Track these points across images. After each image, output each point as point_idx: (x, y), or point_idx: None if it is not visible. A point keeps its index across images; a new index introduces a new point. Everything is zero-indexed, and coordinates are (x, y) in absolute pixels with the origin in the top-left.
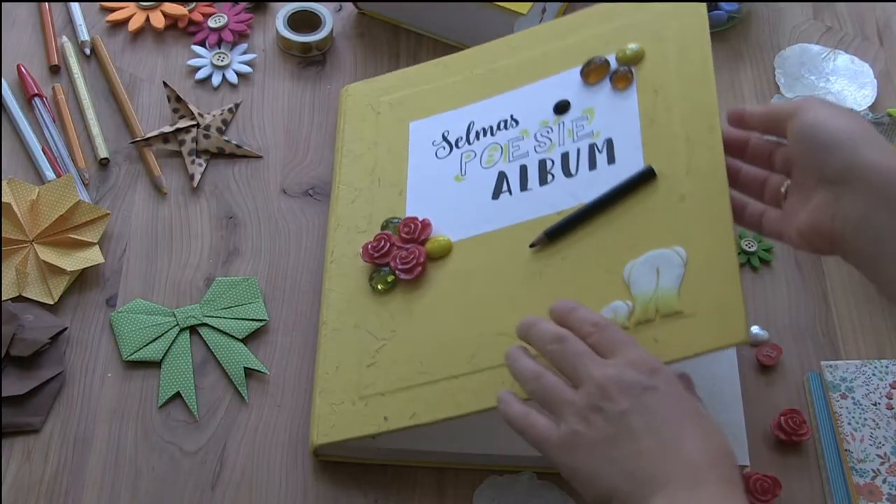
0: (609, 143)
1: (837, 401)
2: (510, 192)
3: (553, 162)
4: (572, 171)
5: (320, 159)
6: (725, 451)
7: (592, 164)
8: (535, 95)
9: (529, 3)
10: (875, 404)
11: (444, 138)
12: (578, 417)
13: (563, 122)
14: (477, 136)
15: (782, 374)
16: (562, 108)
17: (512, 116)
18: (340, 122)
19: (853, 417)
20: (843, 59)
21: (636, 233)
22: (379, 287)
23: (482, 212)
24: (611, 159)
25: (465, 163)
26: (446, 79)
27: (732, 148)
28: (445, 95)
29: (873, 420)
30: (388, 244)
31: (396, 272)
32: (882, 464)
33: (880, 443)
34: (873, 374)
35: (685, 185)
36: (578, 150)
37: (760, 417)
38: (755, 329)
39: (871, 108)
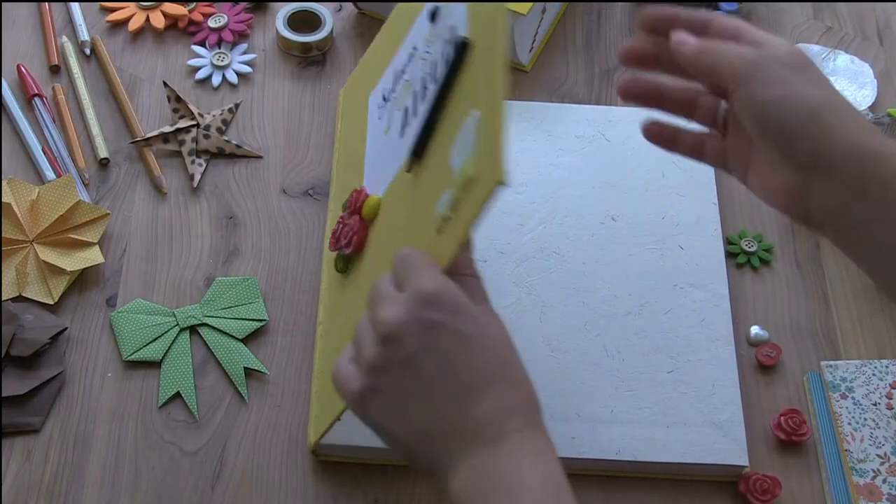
0: (454, 32)
1: (837, 401)
2: (409, 124)
3: (429, 75)
4: (438, 76)
5: (320, 159)
6: (524, 388)
7: (446, 61)
8: (424, 16)
9: (529, 4)
10: (875, 404)
11: (384, 97)
12: (368, 366)
13: (436, 30)
14: (398, 82)
15: (782, 374)
16: (433, 16)
17: (414, 47)
18: (338, 123)
19: (853, 417)
20: (843, 59)
21: (458, 114)
22: (338, 271)
23: (394, 156)
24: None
25: (390, 112)
26: (390, 38)
27: (645, 60)
28: (387, 55)
29: (873, 420)
30: (342, 225)
31: (343, 250)
32: (882, 464)
33: (880, 443)
34: (873, 374)
35: (482, 41)
36: (441, 53)
37: (760, 417)
38: (755, 329)
39: (871, 108)
